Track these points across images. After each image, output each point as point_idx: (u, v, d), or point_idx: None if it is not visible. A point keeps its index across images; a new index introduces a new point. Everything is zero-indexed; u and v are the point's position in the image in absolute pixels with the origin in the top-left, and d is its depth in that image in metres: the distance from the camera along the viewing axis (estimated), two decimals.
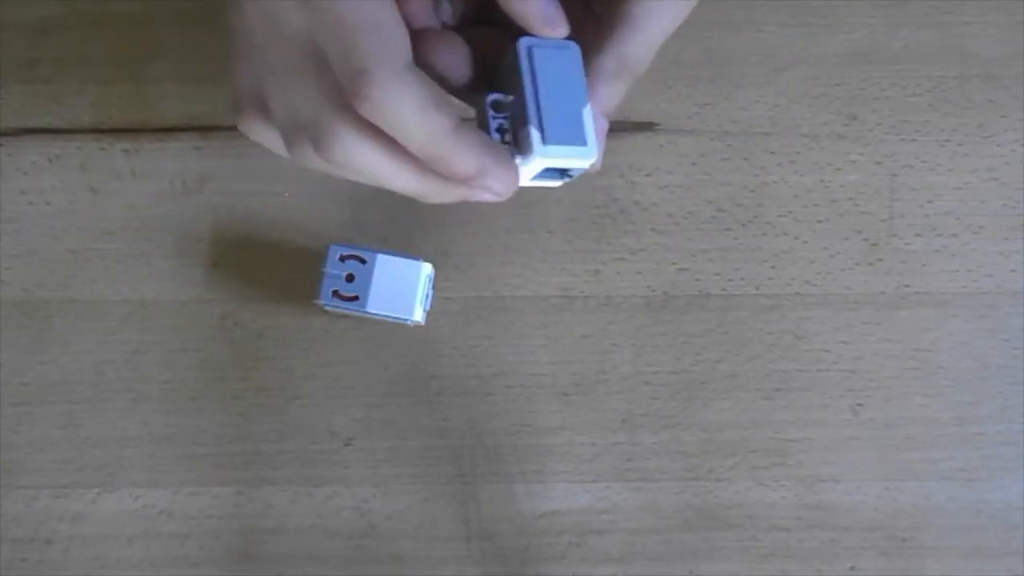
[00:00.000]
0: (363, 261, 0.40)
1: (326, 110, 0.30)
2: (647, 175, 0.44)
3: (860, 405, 0.44)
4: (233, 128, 0.43)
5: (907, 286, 0.44)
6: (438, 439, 0.44)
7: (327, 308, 0.41)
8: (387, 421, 0.44)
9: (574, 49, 0.32)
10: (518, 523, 0.43)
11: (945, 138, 0.44)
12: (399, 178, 0.31)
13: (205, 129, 0.44)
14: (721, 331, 0.44)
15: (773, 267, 0.44)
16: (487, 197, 0.32)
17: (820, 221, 0.44)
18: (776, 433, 0.44)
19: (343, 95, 0.29)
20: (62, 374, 0.43)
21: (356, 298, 0.40)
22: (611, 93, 0.33)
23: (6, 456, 0.43)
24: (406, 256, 0.41)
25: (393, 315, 0.40)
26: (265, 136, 0.33)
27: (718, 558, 0.44)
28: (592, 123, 0.32)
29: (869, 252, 0.44)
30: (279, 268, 0.43)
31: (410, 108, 0.29)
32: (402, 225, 0.44)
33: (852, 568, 0.44)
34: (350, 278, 0.40)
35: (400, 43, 0.29)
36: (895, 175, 0.44)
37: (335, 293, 0.40)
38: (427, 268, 0.41)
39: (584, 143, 0.32)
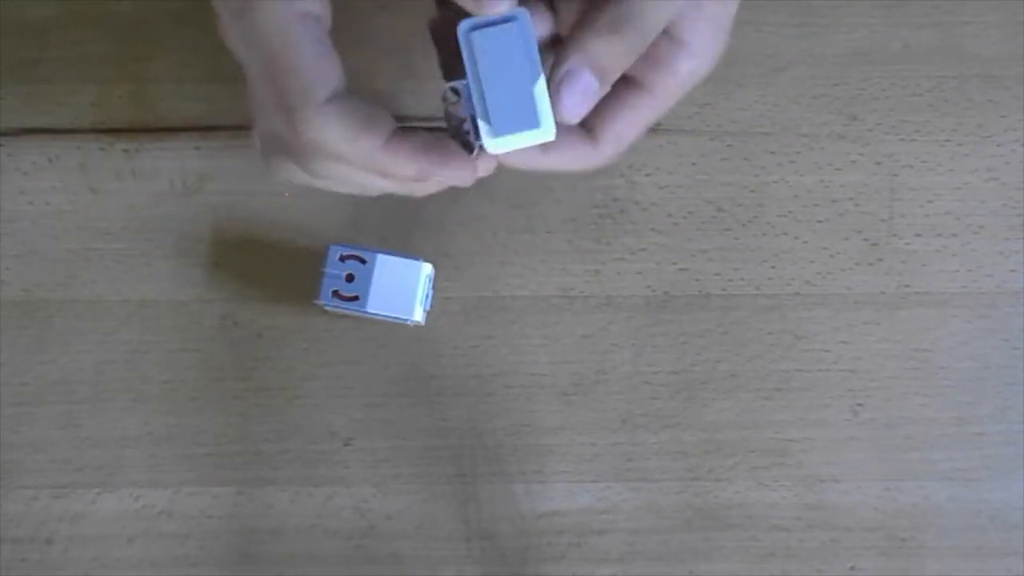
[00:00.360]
0: (363, 261, 0.40)
1: (277, 136, 0.32)
2: (647, 175, 0.44)
3: (860, 405, 0.44)
4: (233, 128, 0.43)
5: (907, 286, 0.44)
6: (438, 439, 0.44)
7: (327, 308, 0.41)
8: (387, 421, 0.44)
9: (521, 20, 0.31)
10: (518, 523, 0.43)
11: (945, 138, 0.44)
12: (376, 183, 0.33)
13: (205, 129, 0.44)
14: (721, 331, 0.44)
15: (773, 267, 0.44)
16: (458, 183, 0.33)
17: (820, 221, 0.44)
18: (776, 433, 0.44)
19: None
20: (62, 374, 0.43)
21: (356, 298, 0.40)
22: (604, 49, 0.32)
23: (6, 456, 0.43)
24: (406, 256, 0.41)
25: (393, 315, 0.40)
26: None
27: (718, 558, 0.43)
28: (547, 98, 0.32)
29: (869, 252, 0.44)
30: (279, 268, 0.43)
31: (336, 138, 0.31)
32: (402, 225, 0.44)
33: (852, 568, 0.44)
34: (350, 278, 0.40)
35: (322, 79, 0.31)
36: (895, 175, 0.44)
37: (335, 293, 0.40)
38: (427, 268, 0.41)
39: (537, 124, 0.31)
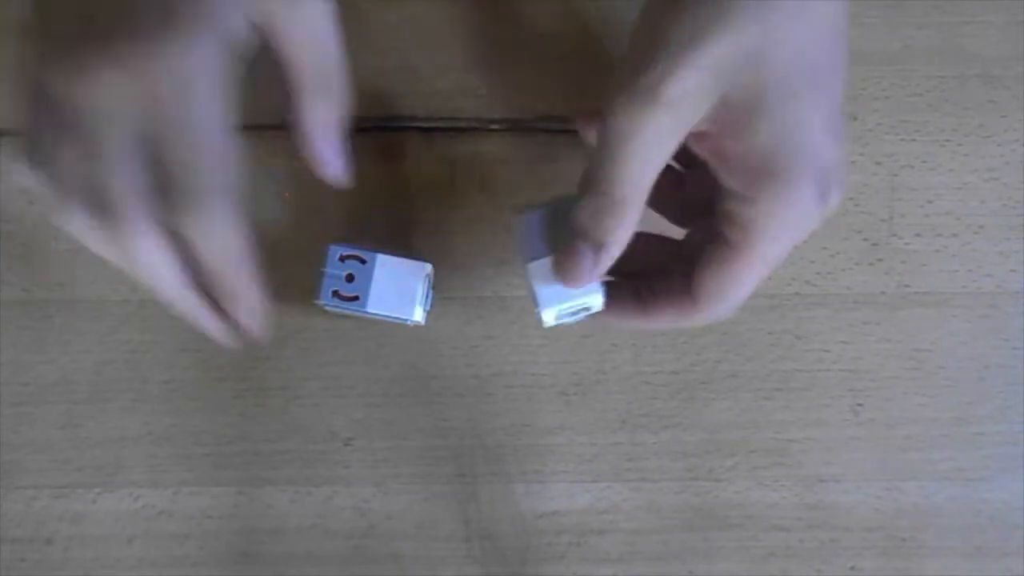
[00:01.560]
0: (363, 261, 0.40)
1: (140, 203, 0.32)
2: None
3: (860, 405, 0.44)
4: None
5: (907, 286, 0.44)
6: (438, 439, 0.44)
7: (327, 308, 0.41)
8: (387, 421, 0.44)
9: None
10: (518, 523, 0.43)
11: (945, 138, 0.44)
12: (169, 286, 0.34)
13: None
14: (721, 331, 0.44)
15: None
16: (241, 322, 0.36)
17: None
18: (776, 433, 0.44)
19: (160, 196, 0.32)
20: (62, 374, 0.43)
21: (356, 298, 0.40)
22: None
23: (6, 456, 0.43)
24: (406, 256, 0.41)
25: (393, 315, 0.40)
26: (30, 182, 0.34)
27: (718, 558, 0.43)
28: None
29: (869, 252, 0.44)
30: (279, 268, 0.43)
31: (224, 233, 0.33)
32: (402, 225, 0.44)
33: (852, 568, 0.44)
34: (350, 278, 0.40)
35: (235, 176, 0.33)
36: (895, 175, 0.44)
37: (335, 293, 0.40)
38: (427, 268, 0.41)
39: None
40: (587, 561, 0.43)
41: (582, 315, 0.38)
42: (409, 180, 0.43)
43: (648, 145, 0.32)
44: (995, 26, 0.44)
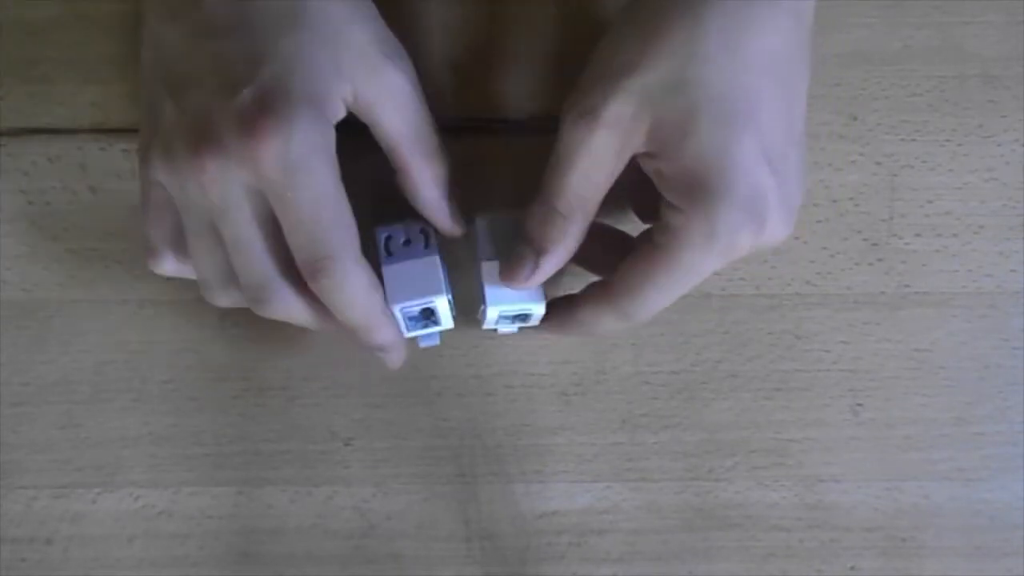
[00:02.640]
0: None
1: (275, 275, 0.36)
2: None
3: (860, 405, 0.44)
4: None
5: (907, 286, 0.44)
6: (438, 439, 0.44)
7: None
8: (387, 421, 0.44)
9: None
10: (518, 523, 0.43)
11: (945, 138, 0.44)
12: (313, 324, 0.38)
13: None
14: (721, 331, 0.44)
15: (773, 267, 0.44)
16: (385, 359, 0.39)
17: (820, 221, 0.44)
18: (776, 433, 0.44)
19: (292, 264, 0.35)
20: (62, 374, 0.43)
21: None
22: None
23: (6, 456, 0.43)
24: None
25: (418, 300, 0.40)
26: (175, 272, 0.38)
27: (718, 558, 0.44)
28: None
29: (869, 252, 0.44)
30: None
31: (360, 289, 0.36)
32: None
33: (852, 568, 0.44)
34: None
35: (357, 236, 0.35)
36: (895, 175, 0.44)
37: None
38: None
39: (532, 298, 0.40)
40: (587, 561, 0.43)
41: (518, 324, 0.40)
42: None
43: (590, 161, 0.35)
44: (995, 26, 0.44)
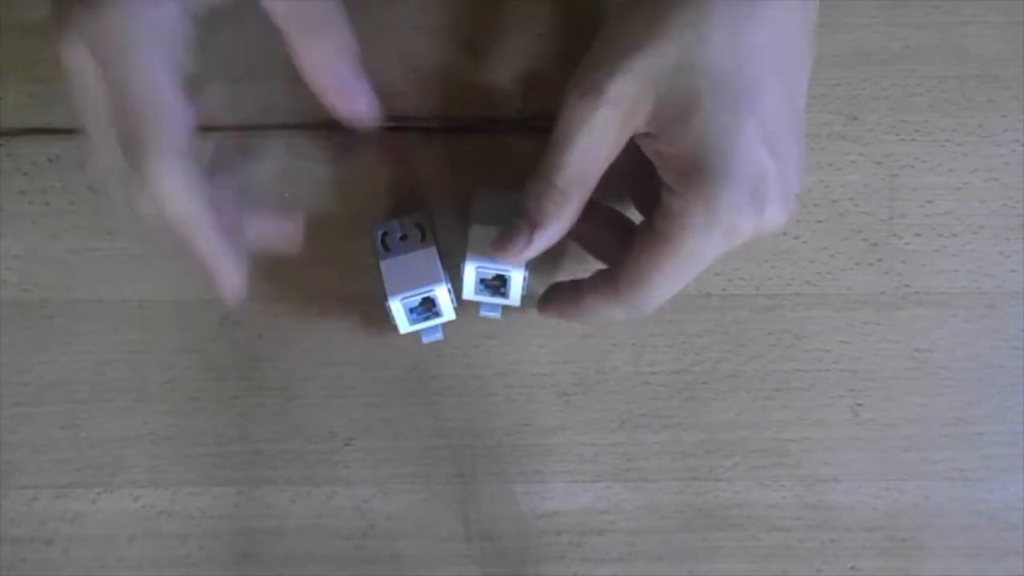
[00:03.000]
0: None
1: (122, 166, 0.33)
2: None
3: (860, 405, 0.44)
4: (231, 128, 0.43)
5: (907, 286, 0.44)
6: (438, 439, 0.44)
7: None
8: (387, 421, 0.44)
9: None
10: (518, 523, 0.43)
11: (945, 138, 0.44)
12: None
13: (203, 129, 0.44)
14: (721, 331, 0.44)
15: (773, 267, 0.44)
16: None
17: (820, 221, 0.44)
18: (776, 433, 0.44)
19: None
20: (62, 374, 0.43)
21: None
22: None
23: (6, 456, 0.43)
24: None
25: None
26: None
27: (718, 558, 0.43)
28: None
29: (869, 252, 0.44)
30: (279, 268, 0.43)
31: (177, 189, 0.33)
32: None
33: (852, 568, 0.44)
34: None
35: (183, 130, 0.33)
36: (895, 175, 0.44)
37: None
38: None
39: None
40: (587, 561, 0.43)
41: (498, 298, 0.40)
42: (408, 180, 0.43)
43: (591, 138, 0.35)
44: (995, 26, 0.44)
